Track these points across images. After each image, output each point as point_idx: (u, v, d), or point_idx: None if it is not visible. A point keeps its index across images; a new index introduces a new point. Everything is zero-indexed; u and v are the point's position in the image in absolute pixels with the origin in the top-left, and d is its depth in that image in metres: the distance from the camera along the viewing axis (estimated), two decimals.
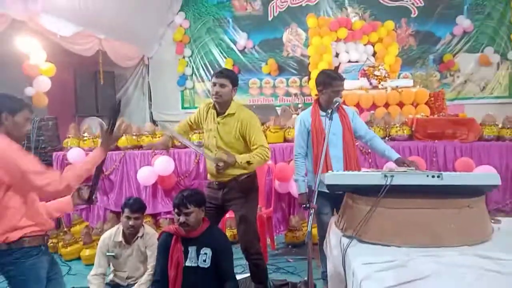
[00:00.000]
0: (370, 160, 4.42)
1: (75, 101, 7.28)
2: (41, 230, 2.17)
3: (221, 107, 2.95)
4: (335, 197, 2.38)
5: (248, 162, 2.79)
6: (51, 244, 4.63)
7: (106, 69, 7.42)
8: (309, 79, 7.47)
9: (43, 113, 5.48)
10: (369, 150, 4.26)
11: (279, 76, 8.55)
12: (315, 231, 3.63)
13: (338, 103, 2.80)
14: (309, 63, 7.39)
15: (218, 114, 2.97)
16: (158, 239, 2.83)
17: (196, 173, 4.72)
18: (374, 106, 5.87)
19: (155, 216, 4.76)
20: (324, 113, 2.97)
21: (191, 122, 3.16)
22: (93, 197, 2.42)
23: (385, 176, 1.88)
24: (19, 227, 2.08)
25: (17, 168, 2.01)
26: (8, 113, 2.11)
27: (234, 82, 2.94)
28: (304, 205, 2.32)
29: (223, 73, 2.94)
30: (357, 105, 5.80)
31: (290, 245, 4.39)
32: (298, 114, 5.78)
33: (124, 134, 4.88)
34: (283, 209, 4.68)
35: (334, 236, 2.22)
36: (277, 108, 6.62)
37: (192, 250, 2.67)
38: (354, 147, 3.06)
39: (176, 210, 2.65)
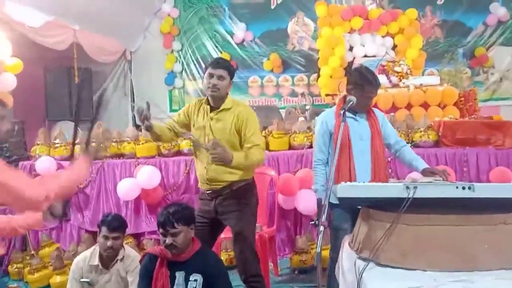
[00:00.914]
0: (390, 170, 4.42)
1: (45, 102, 7.30)
2: None
3: (216, 101, 3.01)
4: (357, 211, 2.37)
5: (244, 159, 2.83)
6: (16, 269, 4.61)
7: (81, 65, 7.43)
8: (318, 76, 7.49)
9: (7, 116, 5.49)
10: (389, 158, 4.26)
11: (283, 73, 8.58)
12: (326, 253, 3.62)
13: (352, 102, 2.82)
14: (318, 58, 7.42)
15: (211, 110, 3.02)
16: (140, 262, 2.82)
17: (186, 185, 4.72)
18: (394, 108, 5.88)
19: (137, 236, 4.75)
20: (350, 115, 3.01)
21: (175, 122, 3.15)
22: (67, 212, 2.42)
23: (407, 187, 1.89)
24: None
25: None
26: None
27: (232, 75, 3.03)
28: (313, 221, 2.31)
29: (220, 63, 3.01)
30: (374, 106, 5.78)
31: (297, 271, 4.36)
32: (305, 117, 5.82)
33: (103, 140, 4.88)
34: (288, 228, 4.67)
35: (347, 258, 2.21)
36: (281, 110, 6.65)
37: (179, 276, 2.66)
38: (384, 156, 3.09)
39: (161, 230, 2.65)
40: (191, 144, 3.22)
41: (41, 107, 7.21)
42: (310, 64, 8.32)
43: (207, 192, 3.04)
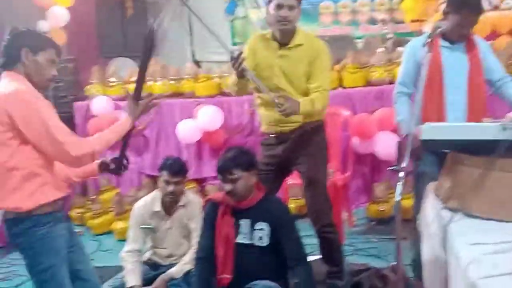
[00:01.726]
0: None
1: (99, 38, 7.52)
2: (56, 196, 2.33)
3: (285, 36, 2.96)
4: (445, 155, 2.32)
5: (312, 104, 2.83)
6: (78, 214, 4.99)
7: None
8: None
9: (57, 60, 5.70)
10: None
11: None
12: (407, 202, 3.60)
13: (440, 28, 2.69)
14: None
15: (280, 46, 2.97)
16: (203, 209, 2.95)
17: (250, 127, 4.79)
18: (493, 34, 5.53)
19: (200, 181, 4.95)
20: (446, 44, 2.90)
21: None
22: (121, 170, 2.62)
23: (505, 128, 1.84)
24: (33, 194, 2.24)
25: (38, 117, 2.15)
26: (29, 50, 2.26)
27: (300, 1, 2.94)
28: (392, 167, 2.29)
29: None
30: None
31: (374, 221, 4.42)
32: (386, 47, 5.63)
33: (160, 79, 5.04)
34: (365, 174, 4.67)
35: (431, 208, 2.20)
36: (357, 41, 6.45)
37: (244, 224, 2.76)
38: (484, 93, 2.96)
39: (220, 176, 2.74)
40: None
41: (93, 43, 7.45)
42: None
43: (274, 135, 3.08)
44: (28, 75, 2.27)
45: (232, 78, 3.01)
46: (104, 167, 2.61)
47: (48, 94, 5.11)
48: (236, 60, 2.76)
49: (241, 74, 2.83)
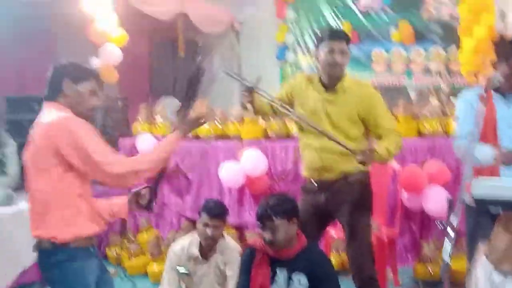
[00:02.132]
0: None
1: (150, 77, 7.77)
2: (93, 230, 2.38)
3: (333, 80, 2.99)
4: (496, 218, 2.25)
5: (387, 151, 2.83)
6: (114, 253, 5.05)
7: (187, 37, 7.80)
8: (459, 50, 7.09)
9: (112, 91, 5.91)
10: None
11: (415, 45, 8.22)
12: (459, 264, 3.48)
13: (497, 80, 2.65)
14: (459, 27, 7.02)
15: (326, 90, 3.01)
16: (240, 255, 2.94)
17: (294, 174, 4.75)
18: None
19: (240, 228, 4.93)
20: (498, 95, 2.84)
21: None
22: (153, 204, 2.57)
23: None
24: (71, 224, 2.30)
25: (80, 142, 2.22)
26: (70, 80, 2.36)
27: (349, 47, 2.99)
28: (441, 223, 2.24)
29: (342, 35, 3.00)
30: None
31: (421, 283, 4.26)
32: (439, 100, 5.57)
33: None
34: (413, 231, 4.55)
35: (482, 269, 2.13)
36: (410, 91, 6.42)
37: (281, 274, 2.72)
38: None
39: (259, 224, 2.72)
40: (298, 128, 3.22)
41: (144, 83, 7.70)
42: (449, 35, 7.86)
43: (317, 182, 3.06)
44: (70, 105, 2.37)
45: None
46: (136, 199, 2.58)
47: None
48: (248, 92, 2.92)
49: (247, 99, 2.99)
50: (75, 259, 2.31)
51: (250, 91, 2.96)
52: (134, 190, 2.59)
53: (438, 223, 2.71)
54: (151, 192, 2.56)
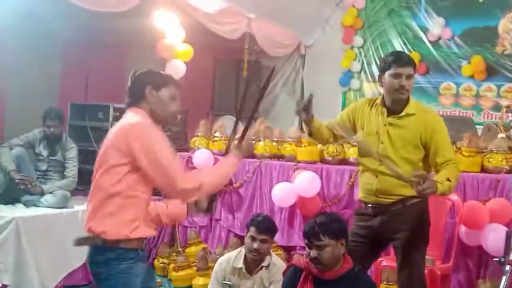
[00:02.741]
0: None
1: (212, 94, 7.94)
2: (145, 233, 2.44)
3: (397, 104, 3.00)
4: None
5: (449, 183, 2.77)
6: (161, 264, 5.14)
7: (251, 58, 7.93)
8: None
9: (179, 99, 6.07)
10: None
11: (487, 81, 7.99)
12: None
13: None
14: None
15: (389, 113, 3.00)
16: (284, 273, 2.93)
17: (348, 199, 4.73)
18: None
19: (288, 249, 4.92)
20: None
21: (335, 123, 3.19)
22: (213, 206, 2.68)
23: None
24: (123, 224, 2.37)
25: (154, 149, 2.32)
26: (152, 87, 2.49)
27: (415, 71, 2.99)
28: (498, 259, 2.17)
29: (409, 60, 3.00)
30: None
31: None
32: (508, 135, 5.38)
33: (262, 139, 5.21)
34: (469, 268, 4.37)
35: None
36: (477, 126, 6.24)
37: None
38: None
39: (306, 241, 2.73)
40: (358, 151, 3.22)
41: (206, 99, 7.87)
42: None
43: (372, 206, 3.04)
44: (152, 111, 2.49)
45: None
46: (195, 203, 2.66)
47: None
48: (299, 106, 2.94)
49: (304, 120, 3.02)
50: (125, 259, 2.36)
51: (307, 109, 2.99)
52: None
53: (496, 259, 2.64)
54: (210, 197, 2.65)
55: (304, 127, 3.14)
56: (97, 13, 5.04)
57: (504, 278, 2.02)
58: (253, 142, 2.69)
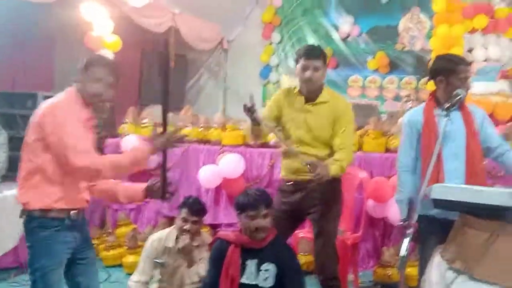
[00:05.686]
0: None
1: (139, 85, 7.75)
2: (66, 205, 2.38)
3: (312, 92, 3.04)
4: (448, 227, 2.23)
5: (339, 163, 2.88)
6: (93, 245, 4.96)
7: (177, 52, 7.80)
8: (429, 80, 7.21)
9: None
10: (500, 174, 4.00)
11: (389, 74, 8.33)
12: (413, 271, 3.49)
13: (459, 96, 2.66)
14: (430, 60, 7.14)
15: (306, 101, 3.04)
16: (210, 246, 2.91)
17: (269, 179, 4.78)
18: None
19: (214, 227, 4.90)
20: (440, 111, 2.79)
21: (270, 118, 3.14)
22: (167, 193, 2.61)
23: None
24: (42, 195, 2.33)
25: (60, 129, 2.26)
26: (83, 66, 2.40)
27: (326, 62, 3.05)
28: (401, 222, 2.25)
29: (316, 53, 3.01)
30: (491, 116, 5.47)
31: (380, 285, 4.27)
32: None
33: (190, 125, 5.14)
34: (375, 238, 4.58)
35: (436, 268, 2.13)
36: (382, 115, 6.49)
37: (251, 264, 2.71)
38: (481, 160, 2.88)
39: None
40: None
41: (134, 90, 7.67)
42: (421, 67, 8.01)
43: (292, 183, 3.09)
44: (79, 90, 2.41)
45: (247, 124, 3.13)
46: (149, 192, 2.63)
47: None
48: (248, 110, 2.85)
49: (253, 121, 2.94)
50: (45, 228, 2.34)
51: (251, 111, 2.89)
52: (149, 180, 2.65)
53: (400, 223, 2.75)
54: (161, 185, 2.58)
55: (252, 127, 3.04)
56: (26, 3, 4.76)
57: (406, 240, 2.09)
58: (172, 137, 2.54)
